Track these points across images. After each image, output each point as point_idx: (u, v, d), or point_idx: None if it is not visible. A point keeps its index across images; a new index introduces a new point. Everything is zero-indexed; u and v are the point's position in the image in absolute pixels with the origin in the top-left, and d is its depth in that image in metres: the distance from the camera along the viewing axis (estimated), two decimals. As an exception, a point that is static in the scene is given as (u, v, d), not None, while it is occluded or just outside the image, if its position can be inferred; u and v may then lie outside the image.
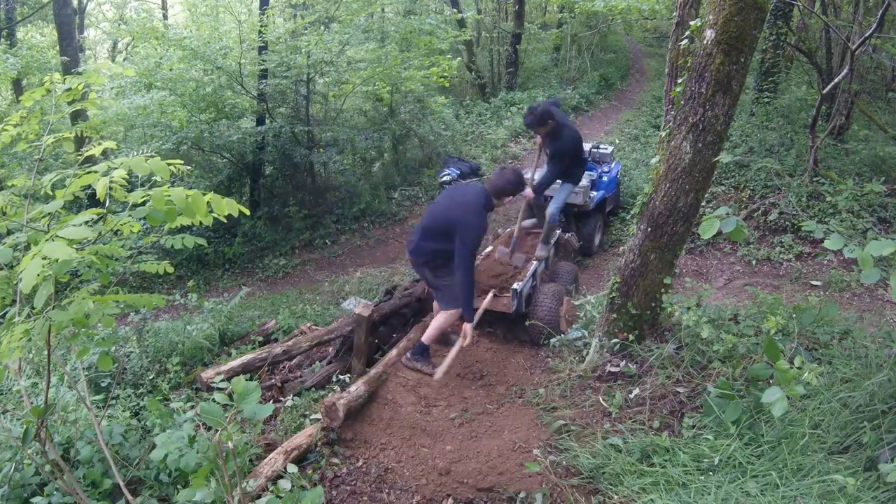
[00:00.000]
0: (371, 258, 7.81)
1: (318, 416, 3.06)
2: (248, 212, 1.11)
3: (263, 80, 8.47)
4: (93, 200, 8.70)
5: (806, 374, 2.08)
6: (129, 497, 1.65)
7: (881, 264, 1.84)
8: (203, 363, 4.10)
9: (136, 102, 8.70)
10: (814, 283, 5.58)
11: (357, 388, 3.22)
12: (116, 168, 1.05)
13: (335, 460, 2.77)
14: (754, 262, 6.11)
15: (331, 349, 4.07)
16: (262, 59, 8.34)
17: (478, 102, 13.54)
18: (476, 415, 3.30)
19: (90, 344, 2.51)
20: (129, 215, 1.17)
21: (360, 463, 2.80)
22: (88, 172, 1.10)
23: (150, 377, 3.77)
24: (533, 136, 11.79)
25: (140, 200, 1.08)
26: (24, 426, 1.64)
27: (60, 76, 1.58)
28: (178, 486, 2.24)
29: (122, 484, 1.61)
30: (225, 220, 1.36)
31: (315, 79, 8.94)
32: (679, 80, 2.94)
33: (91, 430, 2.32)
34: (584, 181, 6.33)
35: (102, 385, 3.40)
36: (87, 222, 1.14)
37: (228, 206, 1.02)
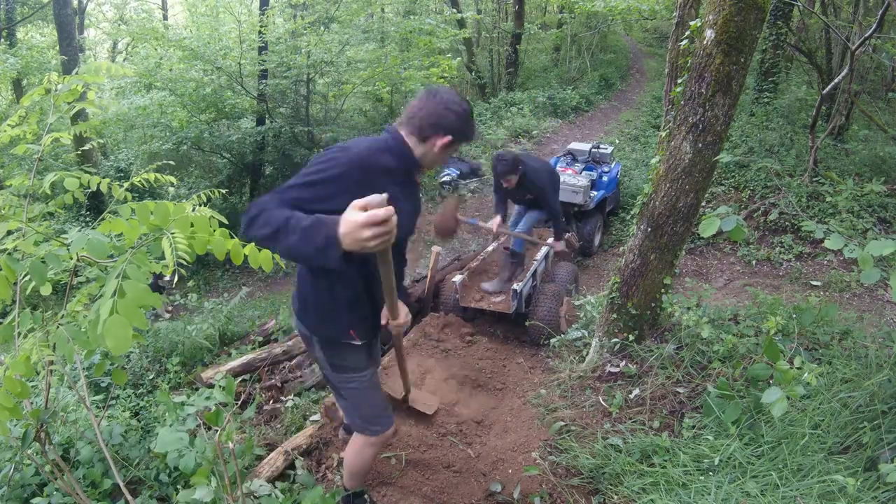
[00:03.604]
0: (371, 258, 7.79)
1: (318, 416, 3.06)
2: (222, 222, 1.09)
3: (263, 81, 8.48)
4: (93, 200, 8.71)
5: (806, 375, 2.08)
6: (129, 497, 1.65)
7: (881, 264, 1.84)
8: (203, 363, 4.10)
9: (136, 103, 8.71)
10: (814, 283, 5.58)
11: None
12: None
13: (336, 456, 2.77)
14: (754, 262, 6.10)
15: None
16: (261, 59, 8.35)
17: (477, 102, 13.54)
18: (477, 417, 3.30)
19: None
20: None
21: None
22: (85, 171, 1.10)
23: (150, 377, 3.77)
24: (532, 136, 11.80)
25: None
26: (24, 428, 1.63)
27: (58, 76, 1.58)
28: (178, 487, 2.24)
29: (121, 484, 1.61)
30: (227, 221, 1.36)
31: (315, 79, 8.94)
32: (679, 81, 2.94)
33: (91, 430, 2.32)
34: (584, 181, 6.34)
35: (102, 385, 3.40)
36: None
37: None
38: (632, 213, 3.55)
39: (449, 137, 1.76)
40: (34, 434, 1.58)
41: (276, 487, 2.43)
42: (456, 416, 3.25)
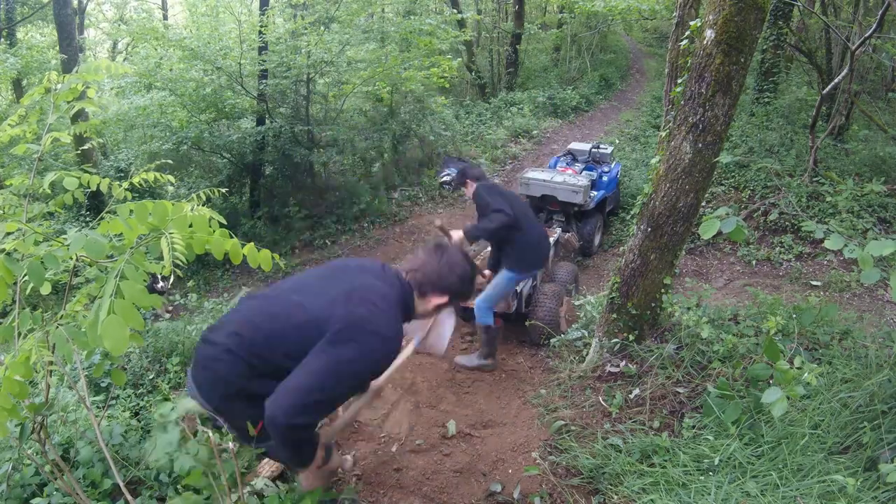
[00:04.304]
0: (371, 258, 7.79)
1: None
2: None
3: (263, 81, 8.46)
4: (93, 200, 8.70)
5: (806, 375, 2.07)
6: (129, 497, 1.65)
7: (881, 264, 1.84)
8: (203, 363, 4.09)
9: (136, 103, 8.70)
10: (814, 283, 5.57)
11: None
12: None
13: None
14: (754, 262, 6.10)
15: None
16: (262, 59, 8.34)
17: (478, 102, 13.54)
18: (477, 418, 3.29)
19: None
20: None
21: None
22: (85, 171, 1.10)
23: (150, 377, 3.77)
24: (532, 136, 11.81)
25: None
26: (21, 422, 1.62)
27: (58, 75, 1.57)
28: (178, 487, 2.24)
29: (121, 484, 1.61)
30: (225, 221, 1.36)
31: (315, 79, 8.93)
32: (679, 81, 2.94)
33: (91, 430, 2.32)
34: (584, 181, 6.33)
35: (102, 385, 3.39)
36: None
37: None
38: (632, 213, 3.54)
39: (446, 298, 1.85)
40: (32, 429, 1.58)
41: (277, 487, 2.42)
42: (456, 417, 3.25)
